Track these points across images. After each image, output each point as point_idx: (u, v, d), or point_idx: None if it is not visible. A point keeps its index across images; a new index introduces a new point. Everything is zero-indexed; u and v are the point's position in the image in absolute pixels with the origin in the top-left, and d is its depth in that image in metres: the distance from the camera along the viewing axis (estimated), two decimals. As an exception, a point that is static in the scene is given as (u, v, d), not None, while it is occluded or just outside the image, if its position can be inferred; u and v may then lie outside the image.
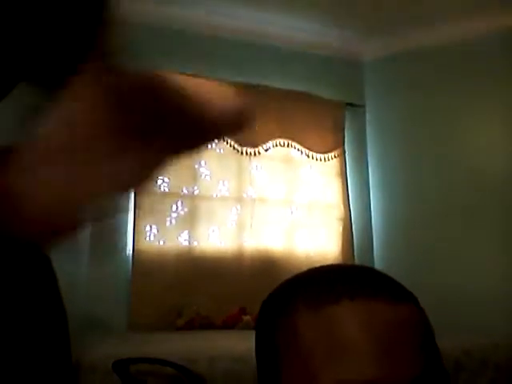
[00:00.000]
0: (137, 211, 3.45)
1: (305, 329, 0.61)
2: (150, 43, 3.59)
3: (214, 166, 3.71)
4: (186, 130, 0.30)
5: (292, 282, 0.67)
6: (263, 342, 0.67)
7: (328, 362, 0.58)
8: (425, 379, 0.58)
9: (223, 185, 3.73)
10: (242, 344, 2.38)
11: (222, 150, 3.75)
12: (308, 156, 3.96)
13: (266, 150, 3.85)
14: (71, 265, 2.89)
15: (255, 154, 3.82)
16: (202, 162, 3.68)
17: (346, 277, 0.64)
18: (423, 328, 0.62)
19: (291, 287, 0.67)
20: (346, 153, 4.12)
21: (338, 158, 4.06)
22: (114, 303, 3.38)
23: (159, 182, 3.53)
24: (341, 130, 4.11)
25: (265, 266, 3.69)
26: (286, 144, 3.91)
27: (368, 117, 4.26)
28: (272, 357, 0.64)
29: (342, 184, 4.05)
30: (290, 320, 0.63)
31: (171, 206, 3.57)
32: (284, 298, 0.66)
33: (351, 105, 4.18)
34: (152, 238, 3.50)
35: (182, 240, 3.56)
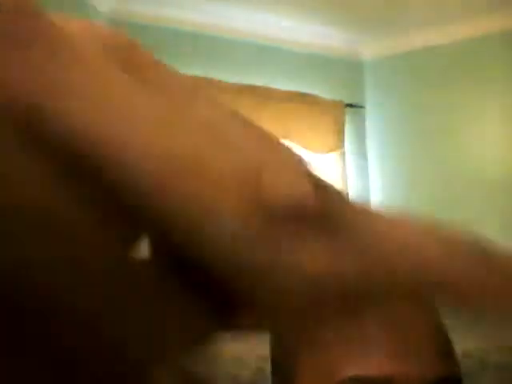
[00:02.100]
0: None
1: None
2: (150, 44, 3.58)
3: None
4: None
5: None
6: (278, 339, 0.68)
7: (348, 358, 0.59)
8: (442, 378, 0.59)
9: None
10: (241, 345, 2.37)
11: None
12: (308, 156, 3.96)
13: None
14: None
15: (255, 154, 3.82)
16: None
17: None
18: (440, 326, 0.63)
19: None
20: (346, 153, 4.12)
21: (338, 159, 4.06)
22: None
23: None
24: (341, 131, 4.11)
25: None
26: (285, 144, 3.91)
27: (368, 117, 4.25)
28: (288, 354, 0.65)
29: (342, 185, 4.05)
30: None
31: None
32: None
33: (351, 105, 4.17)
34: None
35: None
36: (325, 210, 0.13)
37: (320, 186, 0.13)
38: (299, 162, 0.13)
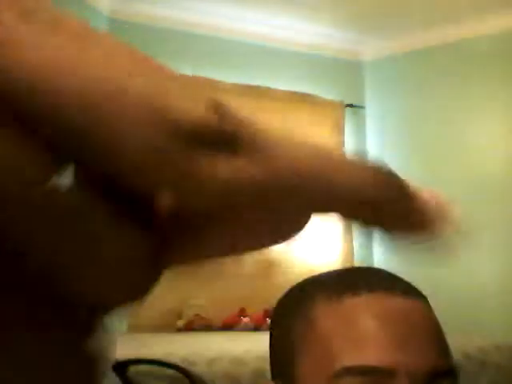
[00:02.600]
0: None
1: (324, 318, 0.63)
2: (150, 44, 3.58)
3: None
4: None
5: (310, 280, 0.70)
6: (279, 332, 0.69)
7: (346, 349, 0.60)
8: (440, 371, 0.60)
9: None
10: (241, 345, 2.37)
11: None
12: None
13: (266, 151, 3.85)
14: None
15: (255, 154, 3.82)
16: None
17: (364, 274, 0.68)
18: (436, 322, 0.65)
19: (310, 283, 0.69)
20: (346, 153, 4.12)
21: (337, 159, 4.06)
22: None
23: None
24: (341, 131, 4.11)
25: (264, 268, 3.68)
26: (285, 145, 3.91)
27: (368, 117, 4.25)
28: (288, 346, 0.66)
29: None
30: (309, 310, 0.65)
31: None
32: (303, 291, 0.68)
33: (351, 105, 4.18)
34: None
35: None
36: (229, 131, 0.15)
37: (227, 115, 0.15)
38: (201, 92, 0.15)
